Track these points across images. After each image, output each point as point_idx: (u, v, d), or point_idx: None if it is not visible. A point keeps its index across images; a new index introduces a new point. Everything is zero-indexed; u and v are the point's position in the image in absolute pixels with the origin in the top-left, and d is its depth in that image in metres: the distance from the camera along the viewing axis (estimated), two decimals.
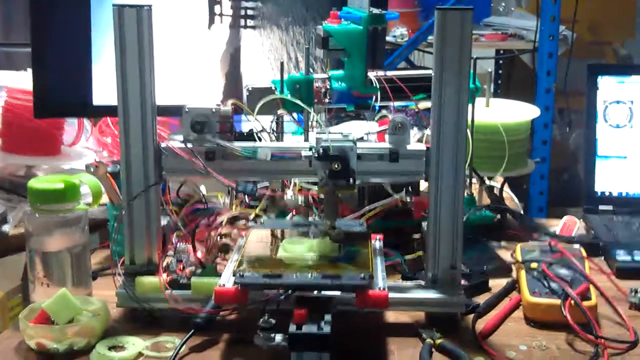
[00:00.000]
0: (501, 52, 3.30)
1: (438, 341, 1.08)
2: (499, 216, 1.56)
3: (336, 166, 1.11)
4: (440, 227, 1.14)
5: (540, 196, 2.72)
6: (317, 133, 1.16)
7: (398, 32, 2.92)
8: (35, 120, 1.57)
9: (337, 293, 1.06)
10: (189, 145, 1.14)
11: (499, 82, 3.53)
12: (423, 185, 1.38)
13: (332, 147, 1.11)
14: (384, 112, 1.30)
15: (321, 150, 1.10)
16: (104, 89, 1.49)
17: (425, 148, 1.15)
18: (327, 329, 0.98)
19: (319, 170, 1.12)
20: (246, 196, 1.32)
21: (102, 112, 1.58)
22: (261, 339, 0.99)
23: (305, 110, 1.25)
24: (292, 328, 0.98)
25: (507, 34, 3.13)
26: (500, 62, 3.46)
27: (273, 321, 0.99)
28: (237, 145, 1.14)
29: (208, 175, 1.15)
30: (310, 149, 1.13)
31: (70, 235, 1.19)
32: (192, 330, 1.09)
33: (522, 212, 1.76)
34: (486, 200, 1.62)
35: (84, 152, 1.74)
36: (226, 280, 1.07)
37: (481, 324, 1.15)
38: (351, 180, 1.12)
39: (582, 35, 3.12)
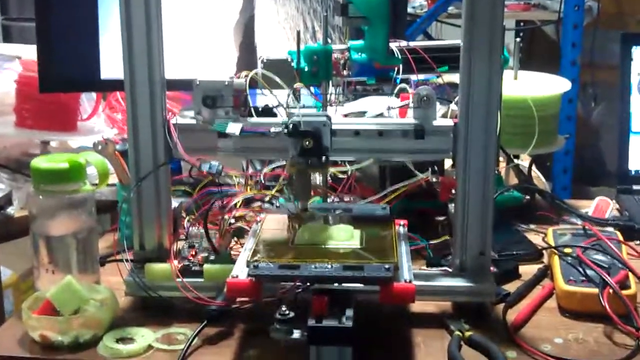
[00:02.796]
0: (522, 23, 3.20)
1: (467, 334, 1.01)
2: (527, 197, 1.48)
3: (307, 143, 1.05)
4: (469, 210, 1.07)
5: (564, 174, 2.65)
6: (288, 108, 1.09)
7: (417, 3, 2.83)
8: (51, 94, 1.50)
9: (359, 285, 0.99)
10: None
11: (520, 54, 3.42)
12: (447, 163, 1.31)
13: (303, 123, 1.04)
14: (403, 85, 1.23)
15: (291, 126, 1.04)
16: (113, 62, 1.42)
17: (452, 124, 1.07)
18: (349, 322, 0.91)
19: (290, 148, 1.06)
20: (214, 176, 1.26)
21: (111, 86, 1.51)
22: (278, 331, 0.93)
23: (323, 84, 1.18)
24: (312, 321, 0.91)
25: (529, 3, 3.02)
26: (521, 33, 3.35)
27: (290, 313, 0.92)
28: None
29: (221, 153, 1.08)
30: (282, 124, 1.06)
31: (75, 218, 1.13)
32: (205, 321, 1.03)
33: (551, 192, 1.68)
34: (513, 180, 1.54)
35: (99, 128, 1.67)
36: (239, 271, 1.00)
37: (512, 315, 1.08)
38: (324, 158, 1.05)
39: (605, 6, 3.02)
